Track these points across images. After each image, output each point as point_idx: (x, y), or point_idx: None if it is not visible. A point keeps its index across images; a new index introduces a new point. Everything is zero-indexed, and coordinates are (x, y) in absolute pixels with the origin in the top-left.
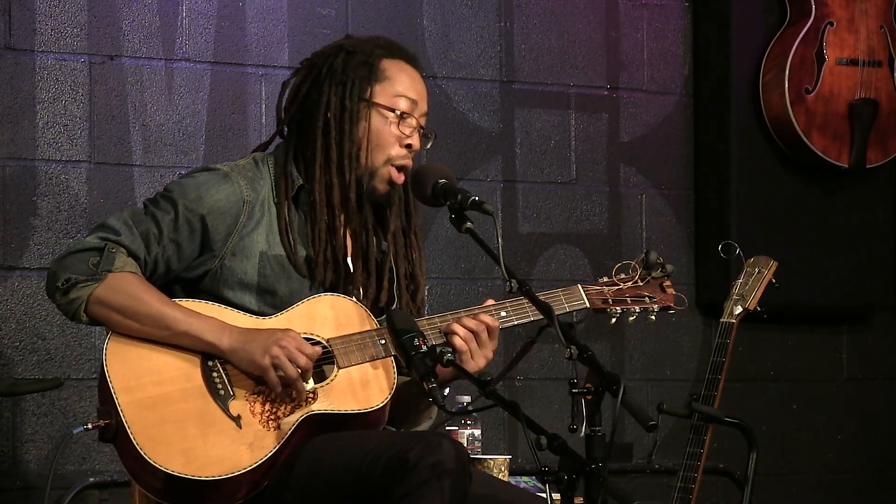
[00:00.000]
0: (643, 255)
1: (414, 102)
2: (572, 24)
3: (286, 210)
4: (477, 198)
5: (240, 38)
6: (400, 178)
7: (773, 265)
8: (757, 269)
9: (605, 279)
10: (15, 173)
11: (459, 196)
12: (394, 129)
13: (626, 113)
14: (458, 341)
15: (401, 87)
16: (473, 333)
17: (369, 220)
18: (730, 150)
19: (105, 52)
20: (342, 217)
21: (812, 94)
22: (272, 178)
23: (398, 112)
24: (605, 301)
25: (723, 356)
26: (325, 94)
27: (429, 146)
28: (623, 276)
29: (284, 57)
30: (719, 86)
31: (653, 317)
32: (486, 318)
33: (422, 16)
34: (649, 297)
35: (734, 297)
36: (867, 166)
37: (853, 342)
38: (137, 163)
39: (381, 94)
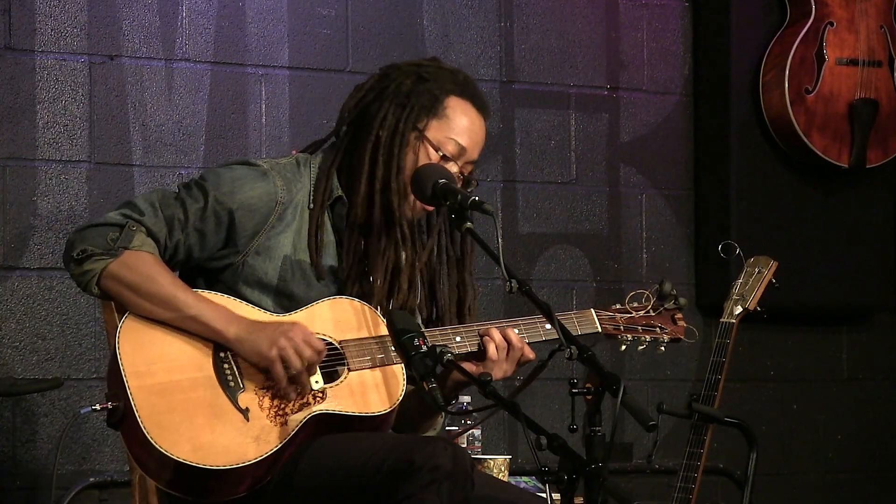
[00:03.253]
0: (657, 286)
1: (462, 149)
2: (572, 24)
3: (319, 217)
4: (477, 198)
5: (240, 38)
6: (428, 209)
7: (773, 265)
8: (757, 269)
9: (618, 306)
10: (15, 173)
11: (459, 196)
12: None
13: (626, 113)
14: (491, 348)
15: (455, 129)
16: (508, 346)
17: (407, 236)
18: (730, 151)
19: (105, 52)
20: (379, 232)
21: (812, 94)
22: (311, 182)
23: (441, 153)
24: (616, 328)
25: (723, 356)
26: (384, 111)
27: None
28: (636, 304)
29: (284, 57)
30: (719, 86)
31: (662, 348)
32: (523, 342)
33: (422, 16)
34: (661, 327)
35: (734, 297)
36: (867, 166)
37: (853, 342)
38: (137, 163)
39: (433, 130)
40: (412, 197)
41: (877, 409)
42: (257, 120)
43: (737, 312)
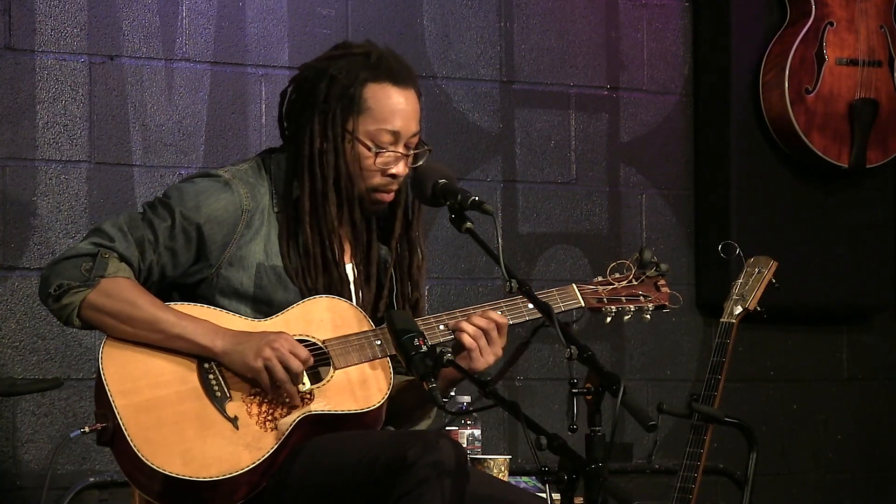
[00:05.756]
0: (637, 255)
1: (396, 133)
2: (572, 24)
3: (287, 222)
4: (477, 198)
5: (240, 38)
6: (388, 198)
7: (773, 265)
8: (757, 269)
9: (600, 278)
10: (15, 173)
11: (459, 196)
12: (372, 162)
13: (626, 113)
14: (466, 339)
15: (382, 117)
16: (483, 331)
17: (372, 228)
18: (730, 150)
19: (105, 52)
20: (337, 236)
21: (812, 94)
22: (272, 186)
23: (375, 149)
24: (599, 300)
25: (723, 356)
26: (310, 122)
27: (421, 162)
28: (617, 275)
29: (284, 57)
30: (719, 86)
31: (647, 316)
32: (496, 315)
33: (422, 16)
34: (644, 295)
35: (734, 297)
36: (867, 166)
37: (853, 342)
38: (137, 163)
39: (361, 126)
40: (363, 195)
41: (877, 409)
42: (257, 120)
43: (737, 312)
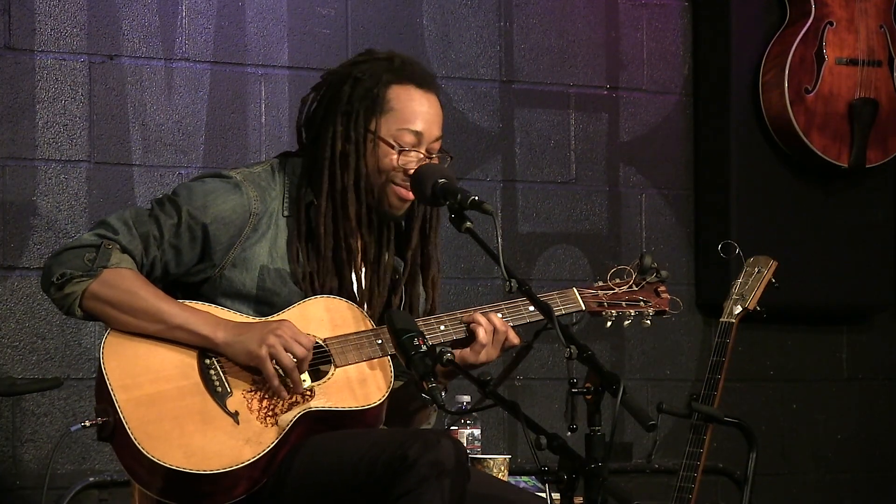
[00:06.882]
0: (638, 260)
1: (419, 133)
2: (572, 24)
3: (298, 226)
4: (477, 197)
5: (240, 37)
6: (409, 195)
7: (773, 265)
8: (757, 269)
9: (601, 283)
10: (15, 173)
11: (459, 196)
12: (394, 160)
13: (626, 113)
14: (480, 332)
15: (405, 118)
16: (495, 331)
17: (385, 234)
18: (730, 150)
19: (105, 52)
20: (354, 240)
21: (812, 94)
22: (285, 190)
23: (398, 149)
24: (600, 304)
25: (722, 356)
26: (332, 124)
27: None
28: (618, 280)
29: (284, 57)
30: (719, 86)
31: (647, 321)
32: (511, 333)
33: (422, 16)
34: (644, 301)
35: (734, 296)
36: (867, 166)
37: (853, 342)
38: (137, 163)
39: (384, 127)
40: (382, 187)
41: (877, 409)
42: (257, 120)
43: (736, 312)
